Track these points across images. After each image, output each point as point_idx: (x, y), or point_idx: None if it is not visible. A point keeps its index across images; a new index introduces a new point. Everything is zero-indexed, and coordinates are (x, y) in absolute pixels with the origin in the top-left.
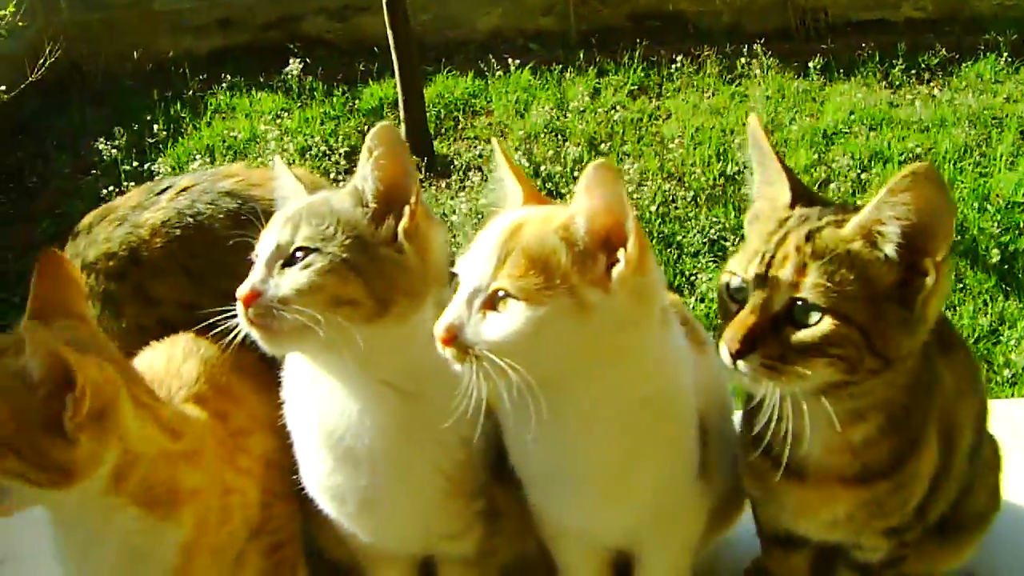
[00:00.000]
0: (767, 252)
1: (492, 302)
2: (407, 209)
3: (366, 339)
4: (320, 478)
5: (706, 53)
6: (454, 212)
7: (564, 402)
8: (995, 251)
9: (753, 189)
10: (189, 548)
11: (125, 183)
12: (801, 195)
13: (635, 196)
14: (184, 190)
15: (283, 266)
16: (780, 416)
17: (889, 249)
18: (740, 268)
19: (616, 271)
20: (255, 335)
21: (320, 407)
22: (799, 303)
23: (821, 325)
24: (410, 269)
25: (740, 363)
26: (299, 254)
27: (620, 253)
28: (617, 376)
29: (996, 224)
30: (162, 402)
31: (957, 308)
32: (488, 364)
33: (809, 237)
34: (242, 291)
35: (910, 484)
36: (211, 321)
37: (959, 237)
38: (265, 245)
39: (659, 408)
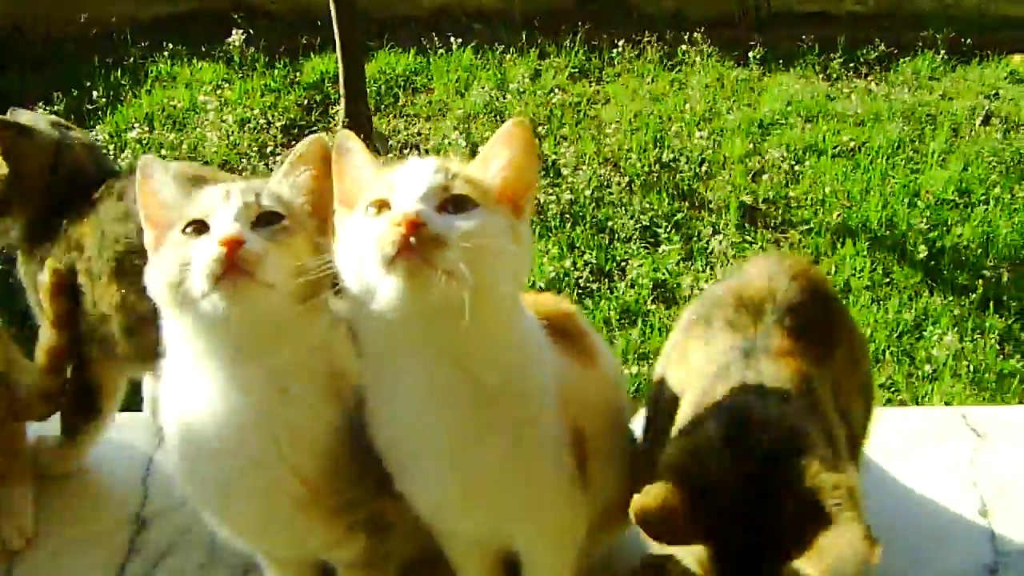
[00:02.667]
0: None
1: (445, 207)
2: None
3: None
4: (191, 478)
5: (647, 39)
6: None
7: (454, 350)
8: (922, 247)
9: None
10: None
11: None
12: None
13: (570, 180)
14: None
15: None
16: None
17: None
18: None
19: (527, 207)
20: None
21: (193, 401)
22: None
23: None
24: None
25: None
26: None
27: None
28: (498, 328)
29: (925, 220)
30: None
31: (883, 303)
32: (446, 264)
33: None
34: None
35: None
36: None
37: (887, 232)
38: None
39: (512, 390)
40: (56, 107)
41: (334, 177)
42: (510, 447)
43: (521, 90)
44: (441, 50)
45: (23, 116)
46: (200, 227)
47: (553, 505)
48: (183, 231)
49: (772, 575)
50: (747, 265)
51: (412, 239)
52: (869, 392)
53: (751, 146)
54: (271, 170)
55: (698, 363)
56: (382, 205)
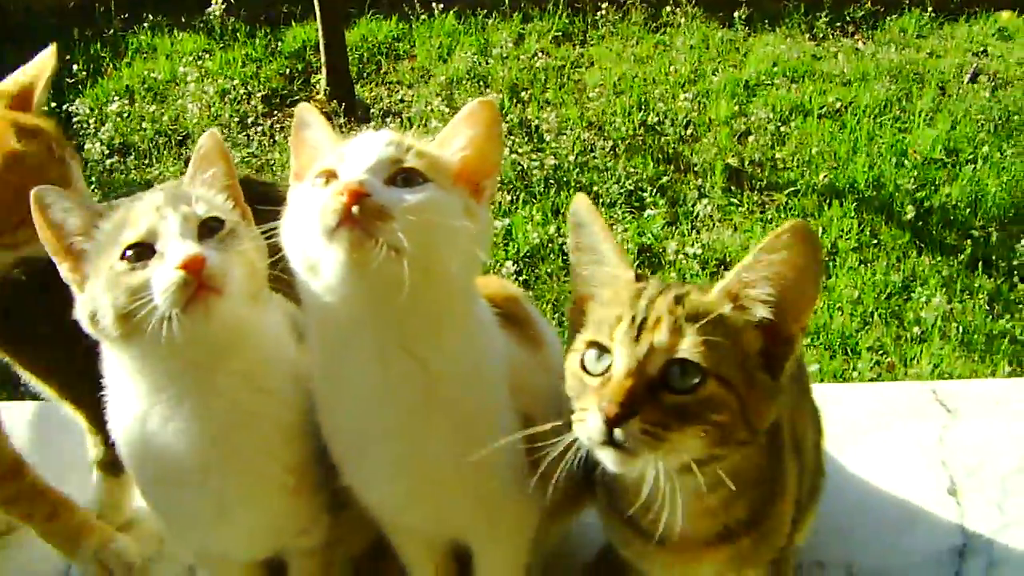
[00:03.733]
0: (636, 315)
1: (394, 180)
2: None
3: None
4: (166, 505)
5: (631, 1)
6: None
7: (397, 342)
8: (910, 207)
9: (583, 273)
10: None
11: None
12: (638, 274)
13: (554, 145)
14: None
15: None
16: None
17: (760, 312)
18: (597, 337)
19: (488, 192)
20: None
21: (162, 428)
22: (677, 366)
23: (703, 388)
24: None
25: (618, 430)
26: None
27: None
28: (447, 312)
29: (912, 180)
30: None
31: (870, 264)
32: (390, 237)
33: (679, 301)
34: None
35: (774, 529)
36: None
37: (875, 193)
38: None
39: (463, 378)
40: None
41: (292, 150)
42: (460, 436)
43: (504, 55)
44: (423, 16)
45: None
46: (142, 251)
47: (504, 496)
48: (123, 257)
49: None
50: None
51: (354, 208)
52: (818, 422)
53: (736, 108)
54: (251, 140)
55: None
56: (330, 176)
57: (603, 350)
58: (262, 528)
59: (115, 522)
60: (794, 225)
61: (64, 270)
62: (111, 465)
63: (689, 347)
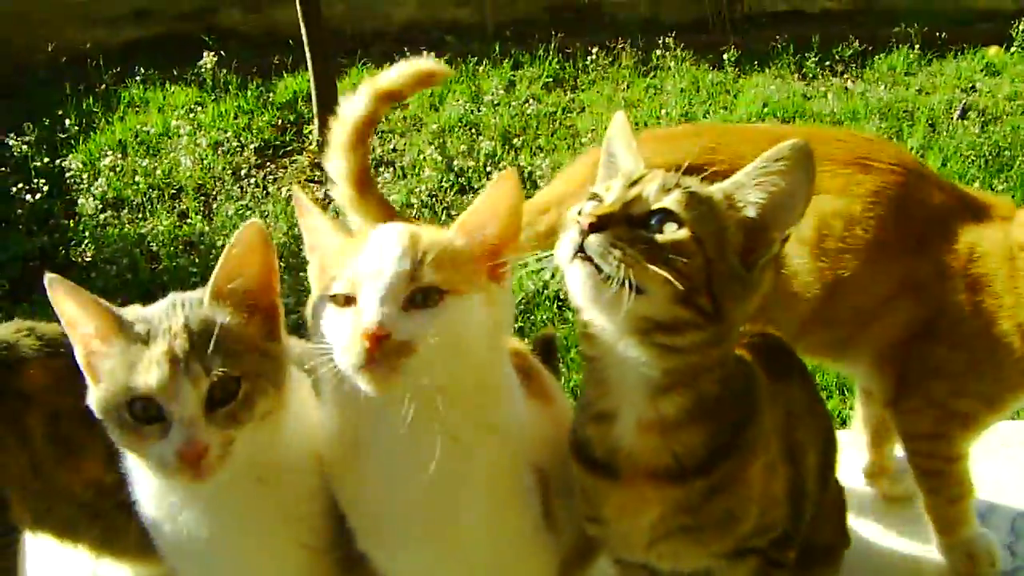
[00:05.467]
0: (635, 175)
1: (412, 300)
2: None
3: None
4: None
5: (621, 45)
6: None
7: (429, 419)
8: None
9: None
10: None
11: (35, 179)
12: None
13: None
14: None
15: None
16: (604, 374)
17: (749, 212)
18: (596, 191)
19: (507, 266)
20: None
21: (178, 509)
22: (659, 214)
23: (676, 233)
24: None
25: (592, 237)
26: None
27: (507, 255)
28: (476, 392)
29: None
30: None
31: None
32: (416, 368)
33: (677, 181)
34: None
35: (731, 492)
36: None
37: None
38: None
39: (489, 443)
40: (28, 137)
41: (301, 227)
42: (490, 500)
43: (495, 102)
44: None
45: None
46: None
47: (529, 553)
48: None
49: None
50: None
51: (376, 353)
52: (830, 459)
53: None
54: (244, 192)
55: None
56: (348, 300)
57: (600, 201)
58: None
59: None
60: (795, 144)
61: (79, 353)
62: None
63: (672, 200)
